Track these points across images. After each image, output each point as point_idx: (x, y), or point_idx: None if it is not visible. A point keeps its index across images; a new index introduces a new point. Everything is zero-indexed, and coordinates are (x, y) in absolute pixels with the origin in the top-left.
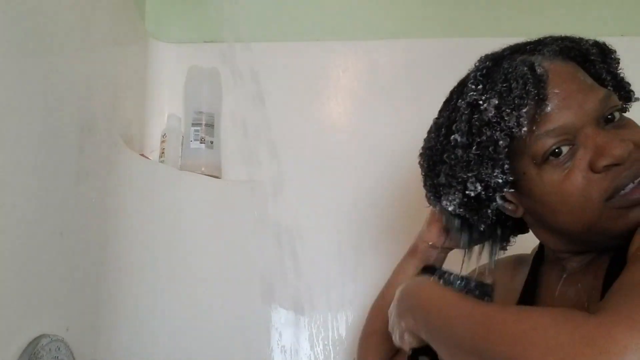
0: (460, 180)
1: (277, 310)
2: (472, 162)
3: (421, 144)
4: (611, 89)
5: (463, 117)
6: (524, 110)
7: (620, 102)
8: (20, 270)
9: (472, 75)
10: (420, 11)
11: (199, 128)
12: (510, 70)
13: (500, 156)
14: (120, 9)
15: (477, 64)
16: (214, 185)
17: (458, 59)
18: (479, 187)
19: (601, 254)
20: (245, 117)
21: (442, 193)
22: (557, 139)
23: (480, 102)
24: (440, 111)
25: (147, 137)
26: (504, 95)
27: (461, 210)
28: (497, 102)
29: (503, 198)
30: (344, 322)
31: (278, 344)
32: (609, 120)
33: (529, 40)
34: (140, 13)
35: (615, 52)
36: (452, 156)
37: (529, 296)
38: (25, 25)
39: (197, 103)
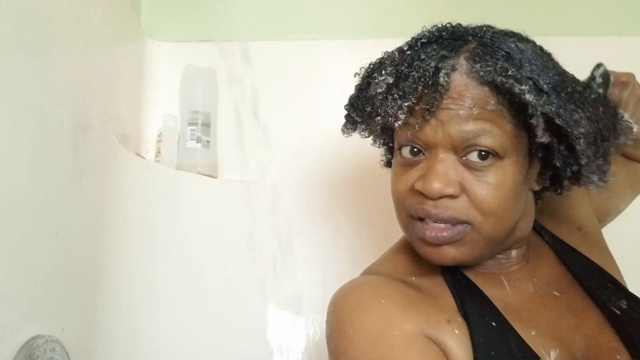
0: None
1: (274, 310)
2: (365, 109)
3: None
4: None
5: (372, 72)
6: (406, 104)
7: (492, 149)
8: (15, 270)
9: (405, 42)
10: (419, 10)
11: (195, 127)
12: (422, 57)
13: (377, 127)
14: (115, 8)
15: (417, 34)
16: (210, 185)
17: None
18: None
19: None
20: (241, 116)
21: None
22: (414, 143)
23: (383, 72)
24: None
25: (142, 137)
26: (401, 79)
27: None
28: (391, 81)
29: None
30: None
31: (275, 344)
32: (483, 156)
33: (482, 36)
34: (136, 12)
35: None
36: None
37: (473, 300)
38: (20, 24)
39: (193, 102)
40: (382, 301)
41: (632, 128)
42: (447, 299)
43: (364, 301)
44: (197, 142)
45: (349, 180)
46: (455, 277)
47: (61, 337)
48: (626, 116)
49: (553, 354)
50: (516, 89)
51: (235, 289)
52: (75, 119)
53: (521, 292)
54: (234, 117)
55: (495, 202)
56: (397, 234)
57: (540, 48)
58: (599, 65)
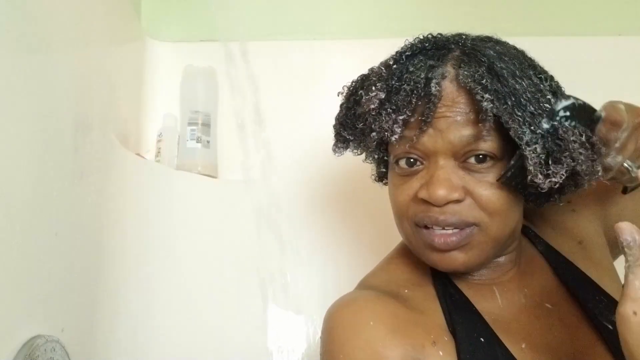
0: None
1: (274, 310)
2: (357, 127)
3: None
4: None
5: (359, 93)
6: (401, 118)
7: (491, 152)
8: (15, 270)
9: (390, 57)
10: (417, 9)
11: (195, 127)
12: (410, 70)
13: (373, 143)
14: (116, 8)
15: (401, 48)
16: (211, 185)
17: None
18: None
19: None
20: (241, 117)
21: None
22: (410, 154)
23: (373, 88)
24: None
25: (143, 137)
26: (392, 93)
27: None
28: (383, 96)
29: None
30: None
31: (275, 344)
32: (481, 160)
33: (463, 44)
34: (136, 11)
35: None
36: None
37: (461, 313)
38: (20, 23)
39: (194, 102)
40: (371, 323)
41: (630, 171)
42: (436, 315)
43: (354, 324)
44: (197, 142)
45: (349, 180)
46: (447, 290)
47: (61, 337)
48: (619, 158)
49: None
50: (478, 97)
51: (235, 289)
52: (75, 119)
53: (512, 304)
54: (234, 117)
55: (499, 201)
56: (397, 235)
57: (514, 48)
58: (566, 98)
